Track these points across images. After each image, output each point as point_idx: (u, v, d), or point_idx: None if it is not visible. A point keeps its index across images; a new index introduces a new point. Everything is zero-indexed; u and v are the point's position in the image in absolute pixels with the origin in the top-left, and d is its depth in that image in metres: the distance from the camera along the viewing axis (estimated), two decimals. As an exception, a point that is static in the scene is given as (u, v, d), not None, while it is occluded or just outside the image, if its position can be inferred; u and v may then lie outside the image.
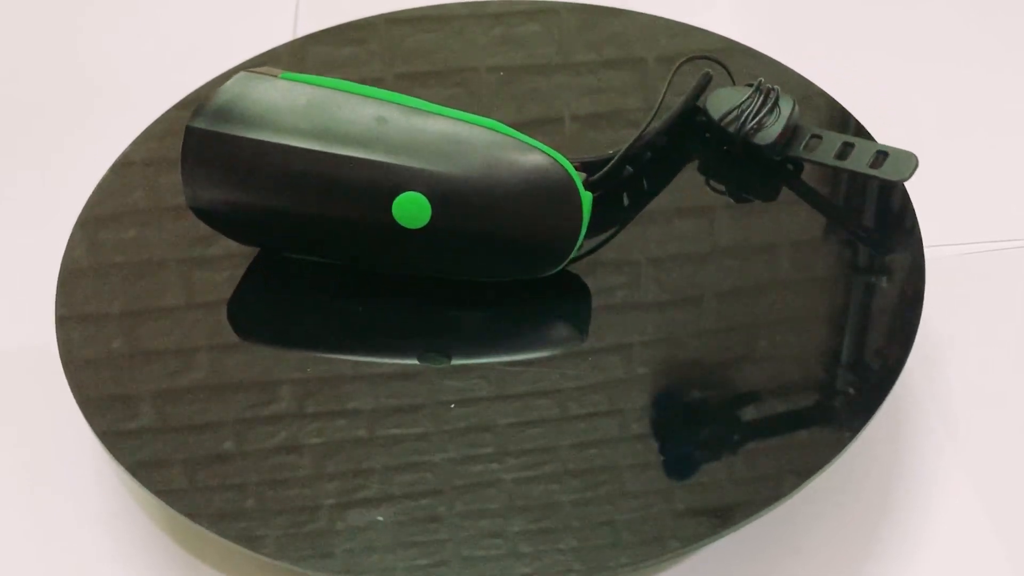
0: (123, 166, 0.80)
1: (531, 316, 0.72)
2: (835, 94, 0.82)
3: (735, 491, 0.64)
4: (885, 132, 0.80)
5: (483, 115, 0.70)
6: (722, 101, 0.78)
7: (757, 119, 0.76)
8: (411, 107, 0.69)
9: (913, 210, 0.75)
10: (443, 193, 0.67)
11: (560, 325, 0.72)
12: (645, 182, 0.78)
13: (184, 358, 0.71)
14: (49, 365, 0.74)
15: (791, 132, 0.77)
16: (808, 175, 0.77)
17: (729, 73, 0.80)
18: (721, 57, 0.81)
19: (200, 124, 0.70)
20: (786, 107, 0.77)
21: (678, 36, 0.87)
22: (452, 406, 0.68)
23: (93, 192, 0.79)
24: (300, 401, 0.69)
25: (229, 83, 0.70)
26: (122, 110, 0.90)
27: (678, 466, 0.66)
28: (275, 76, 0.70)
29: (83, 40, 1.06)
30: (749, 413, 0.67)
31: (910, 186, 0.76)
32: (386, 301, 0.73)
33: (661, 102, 0.77)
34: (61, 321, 0.72)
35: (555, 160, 0.68)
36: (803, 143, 0.77)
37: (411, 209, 0.68)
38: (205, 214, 0.72)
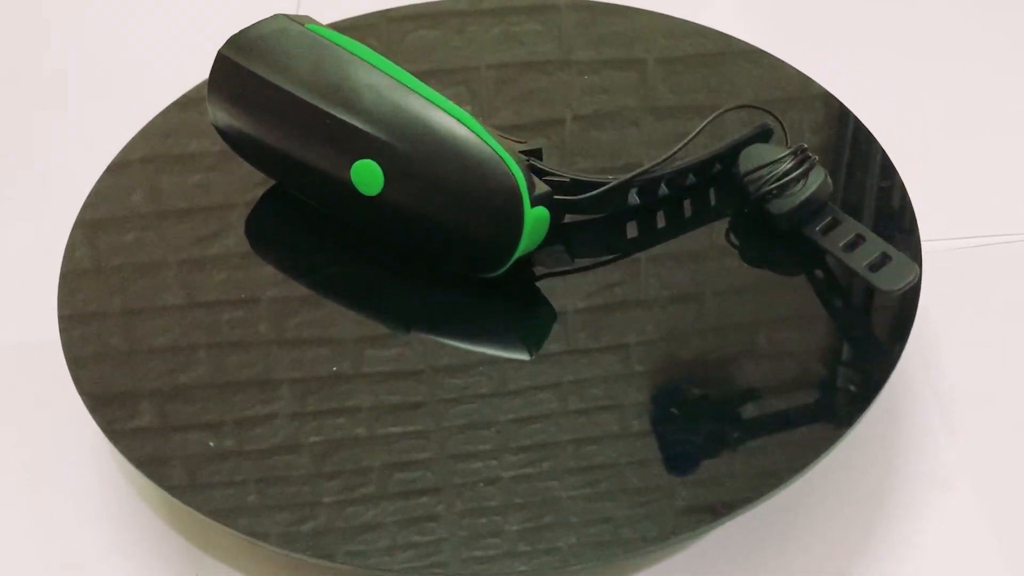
0: (121, 165, 0.80)
1: (531, 312, 0.72)
2: (837, 91, 0.82)
3: (733, 486, 0.64)
4: (883, 128, 0.80)
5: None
6: (755, 157, 0.73)
7: (778, 184, 0.71)
8: (400, 82, 0.71)
9: (912, 207, 0.75)
10: (395, 167, 0.70)
11: (560, 321, 0.72)
12: (661, 217, 0.75)
13: (185, 356, 0.71)
14: (49, 363, 0.74)
15: (811, 208, 0.71)
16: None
17: (784, 129, 0.75)
18: (764, 106, 0.76)
19: (228, 53, 0.74)
20: (815, 181, 0.71)
21: (679, 35, 0.87)
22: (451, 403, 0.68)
23: (92, 191, 0.79)
24: (300, 399, 0.69)
25: (263, 20, 0.75)
26: (122, 110, 0.90)
27: (677, 462, 0.66)
28: (302, 25, 0.74)
29: (84, 40, 1.06)
30: (747, 408, 0.67)
31: (908, 183, 0.76)
32: (382, 292, 0.73)
33: (686, 143, 0.74)
34: (64, 320, 0.72)
35: (506, 167, 0.68)
36: (821, 223, 0.72)
37: (367, 176, 0.70)
38: (223, 134, 0.77)
